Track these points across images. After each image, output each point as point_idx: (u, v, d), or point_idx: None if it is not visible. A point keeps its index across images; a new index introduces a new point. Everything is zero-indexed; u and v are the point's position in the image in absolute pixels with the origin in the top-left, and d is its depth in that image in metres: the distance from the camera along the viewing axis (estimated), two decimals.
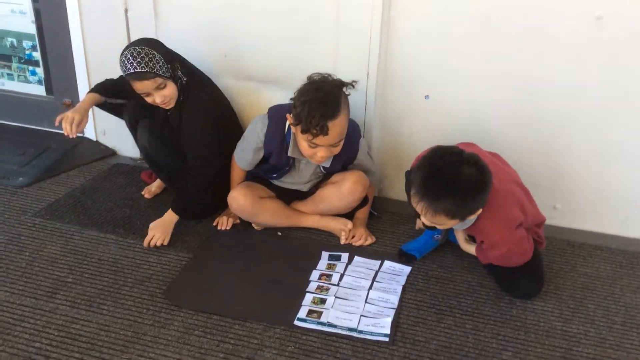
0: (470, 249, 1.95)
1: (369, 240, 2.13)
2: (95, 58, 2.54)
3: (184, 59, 2.19)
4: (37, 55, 2.73)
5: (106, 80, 2.24)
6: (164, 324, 1.74)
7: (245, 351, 1.65)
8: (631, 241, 2.18)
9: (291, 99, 1.93)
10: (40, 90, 2.81)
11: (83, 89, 2.62)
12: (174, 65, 2.04)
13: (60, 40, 2.60)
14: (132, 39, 2.41)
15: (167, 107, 2.08)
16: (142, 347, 1.65)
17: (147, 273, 1.95)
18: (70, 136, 2.06)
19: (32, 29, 2.68)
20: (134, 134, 2.28)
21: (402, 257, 2.04)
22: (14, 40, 2.73)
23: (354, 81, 1.95)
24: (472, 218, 1.73)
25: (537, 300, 1.87)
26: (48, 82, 2.78)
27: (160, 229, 2.07)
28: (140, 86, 2.00)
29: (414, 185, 1.68)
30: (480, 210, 1.70)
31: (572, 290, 1.94)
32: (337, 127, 1.88)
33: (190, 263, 2.00)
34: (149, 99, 2.04)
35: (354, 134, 2.05)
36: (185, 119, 2.10)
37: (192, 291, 1.88)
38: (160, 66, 1.98)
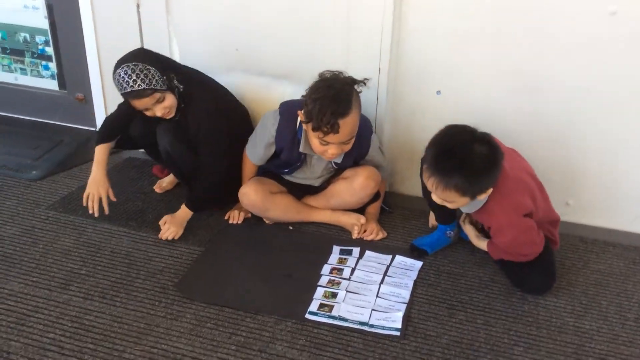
0: (482, 244, 1.95)
1: (380, 235, 2.13)
2: (108, 53, 2.54)
3: (178, 64, 2.18)
4: (49, 50, 2.75)
5: (104, 121, 2.21)
6: (176, 316, 1.75)
7: (257, 344, 1.66)
8: None
9: (303, 95, 1.93)
10: (53, 85, 2.82)
11: (95, 83, 2.64)
12: (169, 75, 2.00)
13: (73, 35, 2.61)
14: (144, 35, 2.44)
15: (169, 117, 2.06)
16: (154, 339, 1.66)
17: (160, 266, 1.96)
18: (96, 215, 2.10)
19: (44, 24, 2.70)
20: (150, 150, 2.30)
21: (414, 252, 2.04)
22: (27, 35, 2.75)
23: (365, 79, 1.94)
24: (482, 199, 1.72)
25: (549, 296, 1.87)
26: (61, 77, 2.79)
27: (173, 224, 2.07)
28: (139, 104, 1.99)
29: (425, 161, 1.70)
30: (490, 190, 1.69)
31: (584, 286, 1.93)
32: (348, 125, 1.88)
33: (202, 256, 2.01)
34: (149, 113, 2.03)
35: (365, 129, 2.05)
36: (191, 122, 2.09)
37: (204, 284, 1.88)
38: (156, 80, 1.96)
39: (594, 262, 2.05)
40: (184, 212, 2.11)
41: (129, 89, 1.94)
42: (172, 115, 2.06)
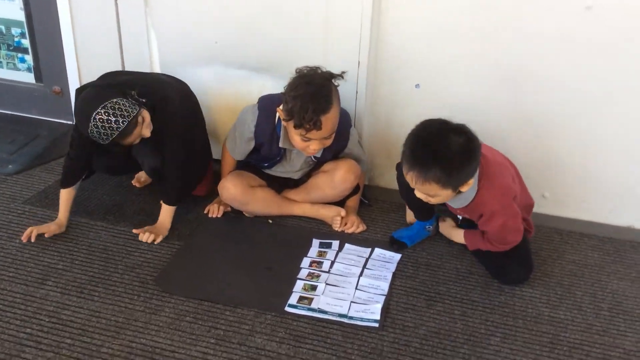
0: (458, 235, 1.97)
1: (360, 228, 2.14)
2: (85, 46, 2.52)
3: (125, 76, 2.04)
4: (26, 42, 2.71)
5: (65, 166, 2.06)
6: (155, 310, 1.74)
7: (236, 337, 1.66)
8: (618, 229, 2.21)
9: (282, 93, 1.93)
10: (29, 78, 2.78)
11: (72, 76, 2.61)
12: (130, 93, 1.87)
13: (50, 27, 2.58)
14: (122, 27, 2.41)
15: (149, 134, 1.92)
16: (133, 333, 1.66)
17: (138, 260, 1.95)
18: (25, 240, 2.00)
19: (21, 15, 2.65)
20: (126, 172, 2.27)
21: (394, 245, 2.05)
22: (3, 27, 2.70)
23: (343, 72, 1.95)
24: (466, 191, 1.73)
25: (525, 287, 1.89)
26: (37, 70, 2.76)
27: (154, 231, 2.04)
28: (130, 139, 1.86)
29: (403, 156, 1.71)
30: (471, 181, 1.70)
31: (559, 277, 1.96)
32: (329, 121, 1.88)
33: (181, 250, 2.00)
34: (136, 141, 1.90)
35: (344, 123, 2.05)
36: (163, 127, 1.97)
37: (183, 278, 1.88)
38: (129, 107, 1.82)
39: (569, 253, 2.08)
40: (165, 213, 2.07)
41: (116, 133, 1.80)
42: (152, 128, 1.91)
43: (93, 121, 1.78)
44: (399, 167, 1.93)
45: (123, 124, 1.80)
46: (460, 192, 1.73)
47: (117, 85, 1.90)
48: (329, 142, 1.97)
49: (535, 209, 2.11)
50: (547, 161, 2.19)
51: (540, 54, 2.03)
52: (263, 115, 2.03)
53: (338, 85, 1.96)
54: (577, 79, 2.04)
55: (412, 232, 2.07)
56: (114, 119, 1.78)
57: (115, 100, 1.80)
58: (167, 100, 1.99)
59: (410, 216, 2.15)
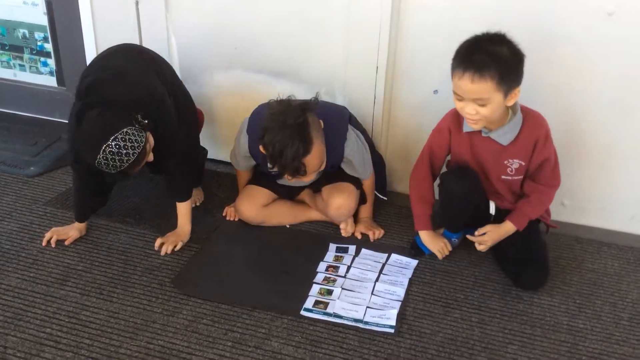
0: (504, 226, 1.92)
1: (376, 234, 2.13)
2: None
3: (130, 95, 1.85)
4: (48, 46, 2.75)
5: (76, 199, 2.05)
6: (172, 312, 1.76)
7: (252, 340, 1.67)
8: (639, 238, 2.18)
9: (259, 136, 1.81)
10: (51, 82, 2.83)
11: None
12: (136, 118, 1.77)
13: (72, 32, 2.62)
14: (143, 32, 2.44)
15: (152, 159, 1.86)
16: (151, 335, 1.67)
17: (156, 262, 1.97)
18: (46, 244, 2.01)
19: (44, 20, 2.70)
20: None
21: (412, 250, 2.04)
22: (26, 32, 2.75)
23: (314, 97, 1.87)
24: (514, 120, 1.82)
25: (544, 295, 1.88)
26: (59, 74, 2.80)
27: (176, 236, 2.04)
28: (136, 169, 1.80)
29: (456, 62, 1.75)
30: (518, 89, 1.76)
31: (579, 286, 1.94)
32: (314, 159, 1.79)
33: (198, 253, 2.02)
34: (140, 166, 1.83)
35: (336, 137, 1.95)
36: (164, 145, 1.92)
37: (201, 280, 1.89)
38: (137, 136, 1.73)
39: (588, 261, 2.06)
40: (183, 216, 2.05)
41: (125, 165, 1.73)
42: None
43: (102, 153, 1.69)
44: (443, 176, 1.94)
45: (133, 155, 1.72)
46: (504, 117, 1.81)
47: (123, 106, 1.77)
48: (322, 168, 1.91)
49: (554, 217, 2.10)
50: (566, 169, 2.16)
51: (561, 60, 2.02)
52: (252, 141, 1.97)
53: (317, 103, 1.84)
54: (598, 85, 2.02)
55: None
56: (124, 151, 1.70)
57: (125, 130, 1.70)
58: (160, 105, 1.90)
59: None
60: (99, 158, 1.70)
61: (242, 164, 2.15)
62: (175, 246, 2.01)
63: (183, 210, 2.07)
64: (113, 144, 1.69)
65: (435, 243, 2.01)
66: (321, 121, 1.88)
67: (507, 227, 1.93)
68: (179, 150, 1.99)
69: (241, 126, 2.06)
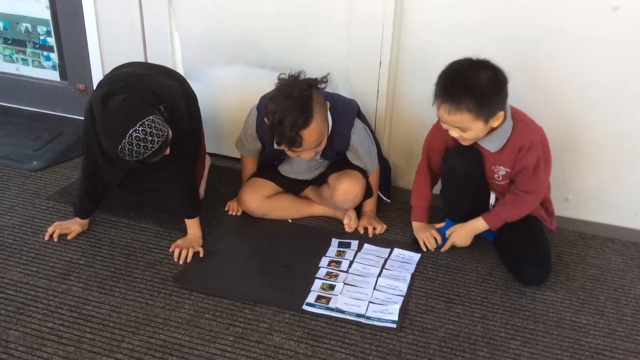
0: (476, 224, 1.95)
1: (378, 229, 2.13)
2: (109, 45, 2.55)
3: (150, 82, 1.89)
4: (51, 40, 2.75)
5: (81, 195, 2.04)
6: (174, 307, 1.76)
7: (254, 335, 1.67)
8: None
9: (264, 106, 1.86)
10: (54, 76, 2.83)
11: (97, 75, 2.64)
12: (160, 109, 1.78)
13: (75, 26, 2.61)
14: (146, 26, 2.43)
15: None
16: (153, 329, 1.67)
17: (159, 257, 1.97)
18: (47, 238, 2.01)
19: (46, 14, 2.70)
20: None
21: (415, 245, 2.04)
22: (29, 26, 2.75)
23: (325, 76, 1.89)
24: (502, 128, 1.80)
25: (547, 291, 1.87)
26: (62, 68, 2.79)
27: (188, 243, 1.99)
28: (155, 159, 1.77)
29: (435, 94, 1.76)
30: (501, 113, 1.76)
31: (582, 281, 1.93)
32: (312, 134, 1.81)
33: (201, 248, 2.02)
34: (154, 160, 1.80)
35: (342, 124, 1.97)
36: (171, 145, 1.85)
37: (203, 275, 1.89)
38: (162, 126, 1.72)
39: (592, 257, 2.05)
40: (193, 224, 2.02)
41: (149, 152, 1.70)
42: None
43: (128, 138, 1.66)
44: (445, 156, 1.95)
45: (157, 143, 1.70)
46: (492, 128, 1.78)
47: (148, 97, 1.79)
48: (320, 148, 1.93)
49: (558, 212, 2.09)
50: (570, 164, 2.16)
51: (565, 55, 2.00)
52: (260, 116, 1.99)
53: (324, 88, 1.88)
54: (602, 80, 2.01)
55: (442, 234, 2.05)
56: (150, 138, 1.68)
57: (151, 118, 1.69)
58: (175, 109, 1.89)
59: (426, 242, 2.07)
60: (124, 143, 1.67)
61: (247, 147, 2.13)
62: (187, 255, 1.96)
63: (192, 221, 2.04)
64: (140, 129, 1.67)
65: (421, 232, 2.04)
66: (328, 102, 1.91)
67: (476, 224, 1.95)
68: (184, 158, 1.96)
69: (250, 109, 2.07)
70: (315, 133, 1.83)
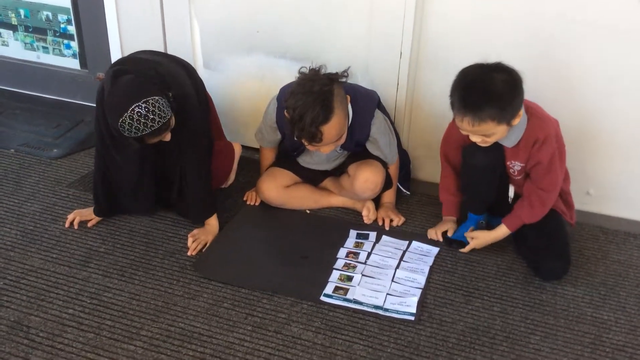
0: (497, 229, 1.94)
1: (395, 221, 2.11)
2: (129, 34, 2.55)
3: (160, 68, 1.90)
4: (71, 29, 2.76)
5: (97, 191, 2.03)
6: (193, 295, 1.76)
7: (272, 325, 1.67)
8: None
9: (285, 100, 1.85)
10: (74, 64, 2.84)
11: (110, 65, 2.64)
12: (168, 95, 1.80)
13: (95, 14, 2.62)
14: (166, 15, 2.43)
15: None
16: (172, 317, 1.68)
17: (178, 245, 1.97)
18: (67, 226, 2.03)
19: (67, 2, 2.70)
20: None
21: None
22: (49, 14, 2.76)
23: (345, 71, 1.88)
24: (517, 125, 1.77)
25: (567, 286, 1.85)
26: (82, 56, 2.81)
27: (205, 234, 2.00)
28: (152, 139, 1.79)
29: (453, 106, 1.74)
30: (521, 112, 1.75)
31: (603, 276, 1.91)
32: (332, 129, 1.81)
33: (219, 237, 2.02)
34: (153, 141, 1.82)
35: (365, 112, 1.97)
36: (180, 133, 1.89)
37: (222, 264, 1.90)
38: (166, 108, 1.75)
39: (614, 252, 2.02)
40: (211, 225, 2.02)
41: (148, 130, 1.72)
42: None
43: (130, 112, 1.69)
44: (465, 151, 1.93)
45: (158, 124, 1.72)
46: (512, 126, 1.76)
47: (157, 81, 1.81)
48: (341, 142, 1.92)
49: (580, 207, 2.06)
50: (592, 157, 2.13)
51: (589, 47, 1.97)
52: (281, 107, 1.98)
53: (344, 82, 1.87)
54: (626, 72, 1.97)
55: (466, 229, 2.03)
56: (151, 116, 1.70)
57: (156, 98, 1.72)
58: (186, 98, 1.91)
59: (439, 230, 2.05)
60: (125, 116, 1.70)
61: (267, 138, 2.13)
62: (205, 244, 1.98)
63: (211, 223, 2.04)
64: (143, 105, 1.70)
65: (441, 225, 2.03)
66: (348, 96, 1.90)
67: (499, 232, 1.93)
68: (199, 144, 1.97)
69: (270, 99, 2.07)
70: (335, 128, 1.83)
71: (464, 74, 1.75)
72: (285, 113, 1.85)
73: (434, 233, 2.03)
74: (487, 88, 1.68)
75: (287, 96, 1.84)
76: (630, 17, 1.88)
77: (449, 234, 2.02)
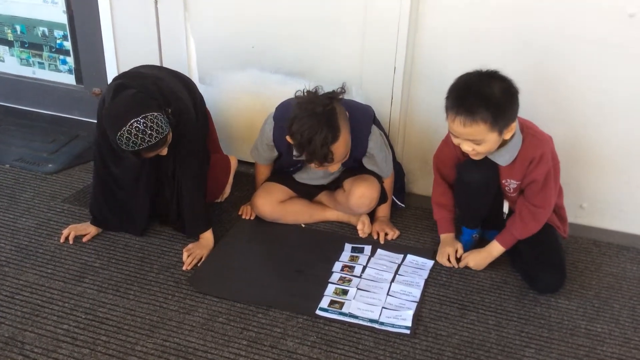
0: (491, 247, 1.95)
1: (390, 235, 2.12)
2: (125, 49, 2.57)
3: (161, 84, 1.93)
4: (67, 44, 2.78)
5: (95, 202, 2.06)
6: (188, 310, 1.76)
7: (268, 339, 1.67)
8: None
9: (287, 123, 1.84)
10: (70, 79, 2.85)
11: (112, 79, 2.66)
12: (167, 111, 1.83)
13: (91, 30, 2.64)
14: (161, 30, 2.45)
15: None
16: (167, 332, 1.68)
17: (173, 260, 1.97)
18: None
19: (63, 18, 2.72)
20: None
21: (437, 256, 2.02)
22: (45, 30, 2.78)
23: (341, 87, 1.89)
24: (513, 142, 1.78)
25: (562, 299, 1.86)
26: (78, 72, 2.82)
27: (200, 248, 2.00)
28: (149, 154, 1.82)
29: (448, 106, 1.75)
30: (514, 125, 1.75)
31: (597, 289, 1.92)
32: (341, 147, 1.83)
33: (214, 251, 2.02)
34: (149, 155, 1.85)
35: (361, 129, 1.97)
36: (179, 151, 1.93)
37: (217, 279, 1.90)
38: (164, 125, 1.78)
39: (607, 265, 2.03)
40: (207, 239, 2.03)
41: (145, 145, 1.75)
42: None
43: (129, 127, 1.72)
44: (459, 167, 1.94)
45: (155, 139, 1.76)
46: (503, 141, 1.77)
47: (158, 96, 1.85)
48: (346, 158, 1.93)
49: (573, 220, 2.08)
50: (585, 171, 2.15)
51: (581, 61, 1.99)
52: (278, 128, 1.98)
53: (342, 97, 1.88)
54: (618, 87, 2.00)
55: (464, 243, 2.03)
56: (148, 131, 1.74)
57: (155, 114, 1.76)
58: (184, 113, 1.93)
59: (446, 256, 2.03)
60: (123, 130, 1.73)
61: (263, 155, 2.14)
62: (201, 258, 1.98)
63: (208, 237, 2.05)
64: (141, 121, 1.73)
65: (447, 246, 2.00)
66: (347, 112, 1.91)
67: (493, 249, 1.94)
68: (195, 159, 1.99)
69: (266, 118, 2.08)
70: (343, 145, 1.84)
71: (462, 77, 1.77)
72: (289, 139, 1.85)
73: (447, 260, 1.98)
74: (485, 91, 1.70)
75: (290, 122, 1.82)
76: (622, 31, 1.91)
77: (459, 254, 1.99)
